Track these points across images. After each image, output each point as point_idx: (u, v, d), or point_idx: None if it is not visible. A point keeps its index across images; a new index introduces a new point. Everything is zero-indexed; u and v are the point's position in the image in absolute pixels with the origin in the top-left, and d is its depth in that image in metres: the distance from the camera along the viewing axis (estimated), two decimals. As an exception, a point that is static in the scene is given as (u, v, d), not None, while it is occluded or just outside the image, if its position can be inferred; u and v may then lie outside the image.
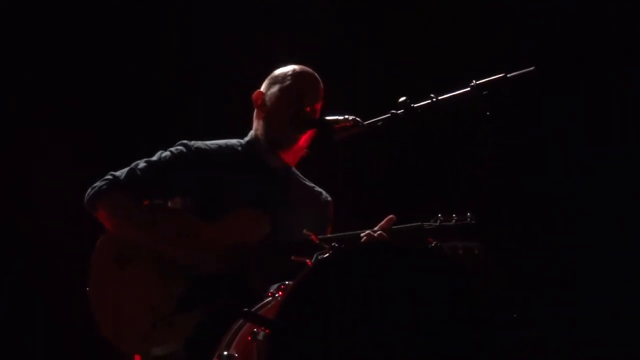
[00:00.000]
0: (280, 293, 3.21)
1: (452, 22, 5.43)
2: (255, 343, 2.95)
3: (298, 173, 4.01)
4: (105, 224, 3.75)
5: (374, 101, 4.08)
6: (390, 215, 3.61)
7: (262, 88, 3.94)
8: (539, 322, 4.96)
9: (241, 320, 3.18)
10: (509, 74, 3.42)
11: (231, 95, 5.05)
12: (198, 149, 3.84)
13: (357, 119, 3.67)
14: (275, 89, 3.89)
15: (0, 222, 5.34)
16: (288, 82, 3.88)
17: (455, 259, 3.32)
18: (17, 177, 5.38)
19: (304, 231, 3.51)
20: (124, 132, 5.38)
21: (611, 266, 5.20)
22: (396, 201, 5.23)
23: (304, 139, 3.86)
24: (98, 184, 3.76)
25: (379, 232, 3.53)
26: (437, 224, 3.54)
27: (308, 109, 3.83)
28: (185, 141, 3.85)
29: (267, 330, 2.88)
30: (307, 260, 3.40)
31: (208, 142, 3.90)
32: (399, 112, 3.57)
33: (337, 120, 3.71)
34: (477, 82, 3.43)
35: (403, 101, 3.56)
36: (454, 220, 3.53)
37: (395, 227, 3.58)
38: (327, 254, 3.13)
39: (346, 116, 3.69)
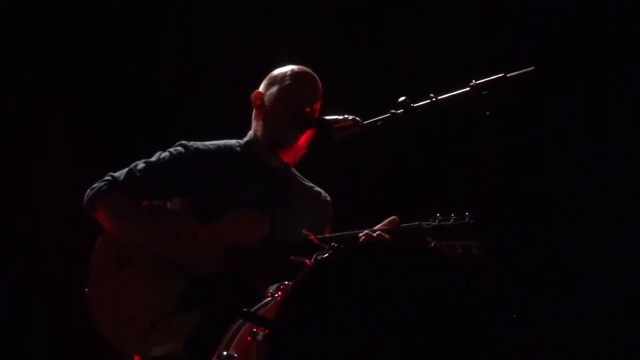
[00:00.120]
0: (279, 293, 3.21)
1: (452, 22, 5.43)
2: (255, 343, 2.95)
3: (297, 173, 4.01)
4: (104, 224, 3.75)
5: (373, 101, 4.07)
6: (393, 217, 3.60)
7: (261, 88, 3.94)
8: (539, 322, 4.96)
9: (241, 320, 3.18)
10: (508, 74, 3.42)
11: (231, 95, 5.04)
12: (197, 149, 3.84)
13: (357, 118, 3.67)
14: (274, 89, 3.89)
15: (0, 222, 5.34)
16: (287, 82, 3.88)
17: (454, 258, 3.31)
18: (17, 177, 5.37)
19: (303, 231, 3.50)
20: (123, 132, 5.38)
21: (611, 266, 5.19)
22: (396, 201, 5.23)
23: (304, 138, 3.85)
24: (97, 184, 3.76)
25: (377, 232, 3.53)
26: (436, 223, 3.53)
27: (307, 108, 3.83)
28: (184, 142, 3.85)
29: (266, 330, 2.88)
30: (307, 260, 3.39)
31: (207, 143, 3.90)
32: (398, 111, 3.56)
33: (336, 119, 3.71)
34: (477, 82, 3.42)
35: (403, 101, 3.56)
36: (452, 220, 3.53)
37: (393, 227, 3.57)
38: (327, 254, 3.12)
39: (346, 116, 3.69)
